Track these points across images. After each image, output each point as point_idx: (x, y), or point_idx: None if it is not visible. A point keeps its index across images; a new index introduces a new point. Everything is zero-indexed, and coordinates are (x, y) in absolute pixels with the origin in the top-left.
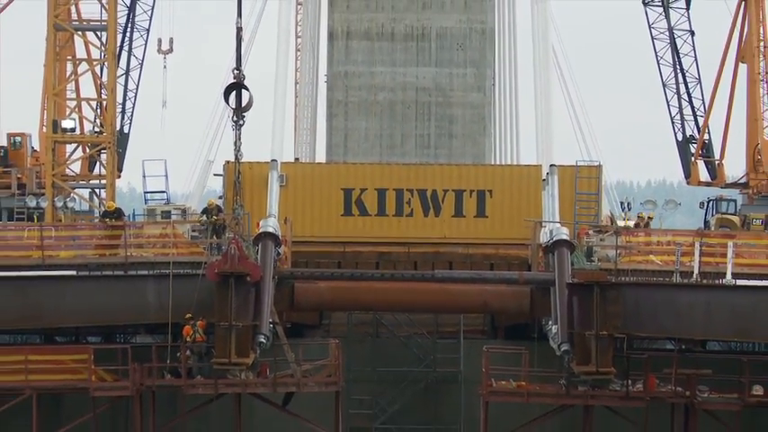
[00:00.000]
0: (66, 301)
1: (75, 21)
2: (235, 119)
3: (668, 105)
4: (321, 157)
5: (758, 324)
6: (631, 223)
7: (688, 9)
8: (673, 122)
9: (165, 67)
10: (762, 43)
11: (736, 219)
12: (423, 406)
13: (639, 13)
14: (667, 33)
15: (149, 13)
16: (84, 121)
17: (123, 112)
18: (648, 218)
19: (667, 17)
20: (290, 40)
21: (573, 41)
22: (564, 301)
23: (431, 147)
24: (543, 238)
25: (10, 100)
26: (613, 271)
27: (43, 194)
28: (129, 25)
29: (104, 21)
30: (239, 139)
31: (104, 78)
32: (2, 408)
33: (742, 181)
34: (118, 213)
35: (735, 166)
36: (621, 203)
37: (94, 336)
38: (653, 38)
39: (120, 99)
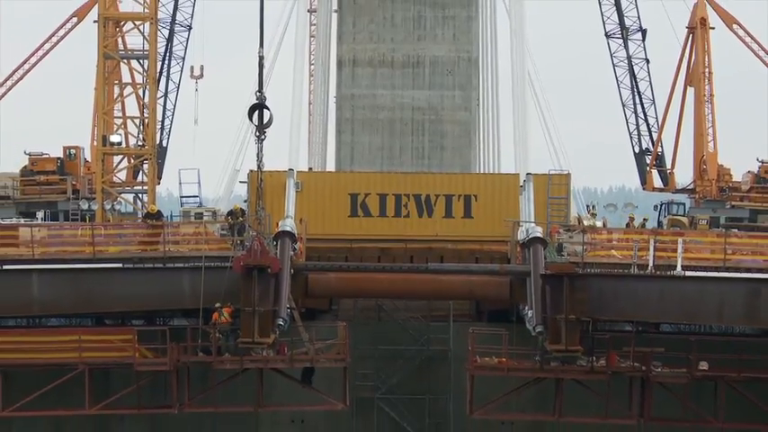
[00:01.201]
0: (113, 290)
1: (122, 50)
2: (257, 134)
3: (627, 123)
4: (331, 166)
5: (703, 309)
6: (599, 223)
7: (644, 40)
8: (631, 137)
9: (196, 90)
10: (707, 70)
11: (685, 219)
12: (417, 379)
13: (604, 44)
14: (626, 61)
15: (184, 44)
16: (129, 136)
17: (162, 128)
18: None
19: (626, 47)
20: (304, 67)
21: (547, 69)
22: (538, 290)
23: (425, 158)
24: (520, 235)
25: (65, 117)
26: (580, 264)
27: (94, 199)
28: (168, 54)
29: (146, 51)
30: (261, 151)
31: (146, 99)
32: (59, 381)
33: (690, 187)
34: (158, 215)
35: (684, 174)
36: (587, 206)
37: (138, 319)
38: (614, 65)
39: (159, 117)
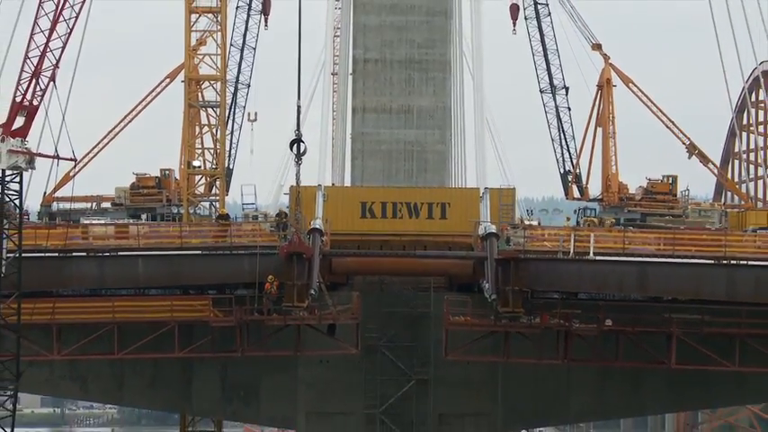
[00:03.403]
0: (195, 269)
1: (201, 101)
2: (296, 160)
3: (555, 152)
4: (348, 182)
5: (609, 282)
6: (535, 222)
7: (567, 95)
8: (557, 162)
9: (251, 129)
10: (611, 115)
11: (595, 220)
12: (409, 332)
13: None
14: (554, 110)
15: (245, 97)
16: (206, 161)
17: (229, 155)
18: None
19: (554, 99)
20: (329, 113)
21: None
22: (493, 269)
23: (413, 177)
24: (480, 231)
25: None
26: (522, 251)
27: (181, 205)
28: (233, 104)
29: (218, 101)
30: (299, 172)
31: (218, 136)
32: (157, 333)
33: (599, 197)
34: (226, 217)
35: (595, 188)
36: (527, 210)
37: (212, 289)
38: (546, 112)
39: (227, 148)
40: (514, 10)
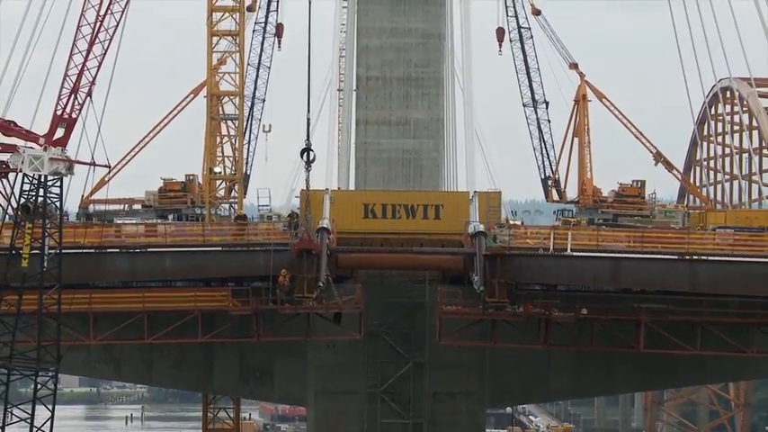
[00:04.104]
0: (216, 263)
1: (221, 114)
2: (306, 167)
3: (536, 159)
4: (352, 186)
5: (584, 275)
6: (519, 222)
7: (547, 108)
8: (539, 168)
9: (266, 139)
10: (586, 127)
11: (573, 220)
12: (406, 320)
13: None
14: (536, 122)
15: (261, 109)
16: (226, 168)
17: (247, 162)
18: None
19: (536, 112)
20: (335, 124)
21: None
22: (481, 264)
23: (410, 182)
24: (470, 230)
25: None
26: (507, 248)
27: (204, 207)
28: (250, 116)
29: (236, 114)
30: (308, 177)
31: (236, 145)
32: (179, 322)
33: (576, 200)
34: (244, 217)
35: (572, 191)
36: (512, 212)
37: (231, 281)
38: (528, 124)
39: (245, 155)
40: (500, 33)
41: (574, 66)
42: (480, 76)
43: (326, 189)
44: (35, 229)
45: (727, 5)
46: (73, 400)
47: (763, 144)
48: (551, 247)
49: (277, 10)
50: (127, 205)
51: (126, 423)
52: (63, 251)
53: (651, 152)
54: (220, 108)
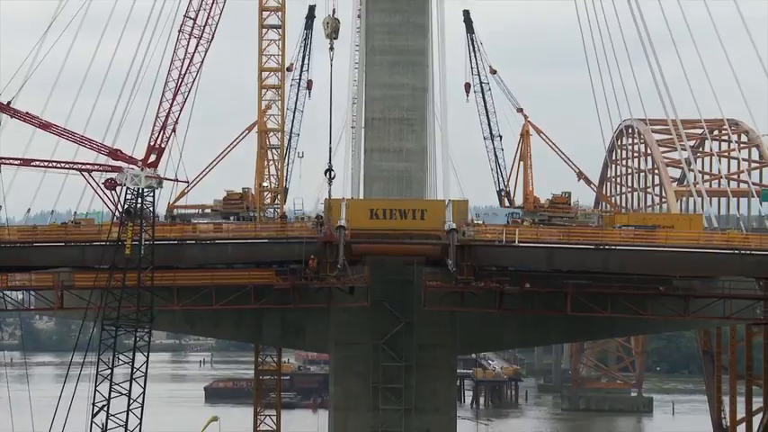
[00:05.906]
0: (264, 251)
1: (268, 145)
2: (328, 183)
3: (493, 176)
4: (362, 196)
5: (527, 259)
6: (480, 221)
7: (501, 140)
8: (495, 182)
9: (300, 163)
10: (529, 153)
11: (519, 220)
12: (401, 292)
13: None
14: (493, 150)
15: (296, 141)
16: (271, 182)
17: (286, 179)
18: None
19: (493, 143)
20: (349, 151)
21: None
22: (454, 251)
23: (403, 193)
24: (446, 227)
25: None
26: (472, 240)
27: (255, 211)
28: (288, 147)
29: (278, 144)
30: (330, 190)
31: (279, 166)
32: (238, 293)
33: (521, 206)
34: (285, 217)
35: (519, 199)
36: (475, 214)
37: (275, 264)
38: (487, 151)
39: (285, 174)
40: (467, 86)
41: (519, 110)
42: (453, 116)
43: (343, 198)
44: (135, 227)
45: (631, 72)
46: (163, 349)
47: (655, 166)
48: (504, 240)
49: (308, 70)
50: (200, 209)
51: (200, 366)
52: (155, 242)
53: (575, 171)
54: (267, 140)
